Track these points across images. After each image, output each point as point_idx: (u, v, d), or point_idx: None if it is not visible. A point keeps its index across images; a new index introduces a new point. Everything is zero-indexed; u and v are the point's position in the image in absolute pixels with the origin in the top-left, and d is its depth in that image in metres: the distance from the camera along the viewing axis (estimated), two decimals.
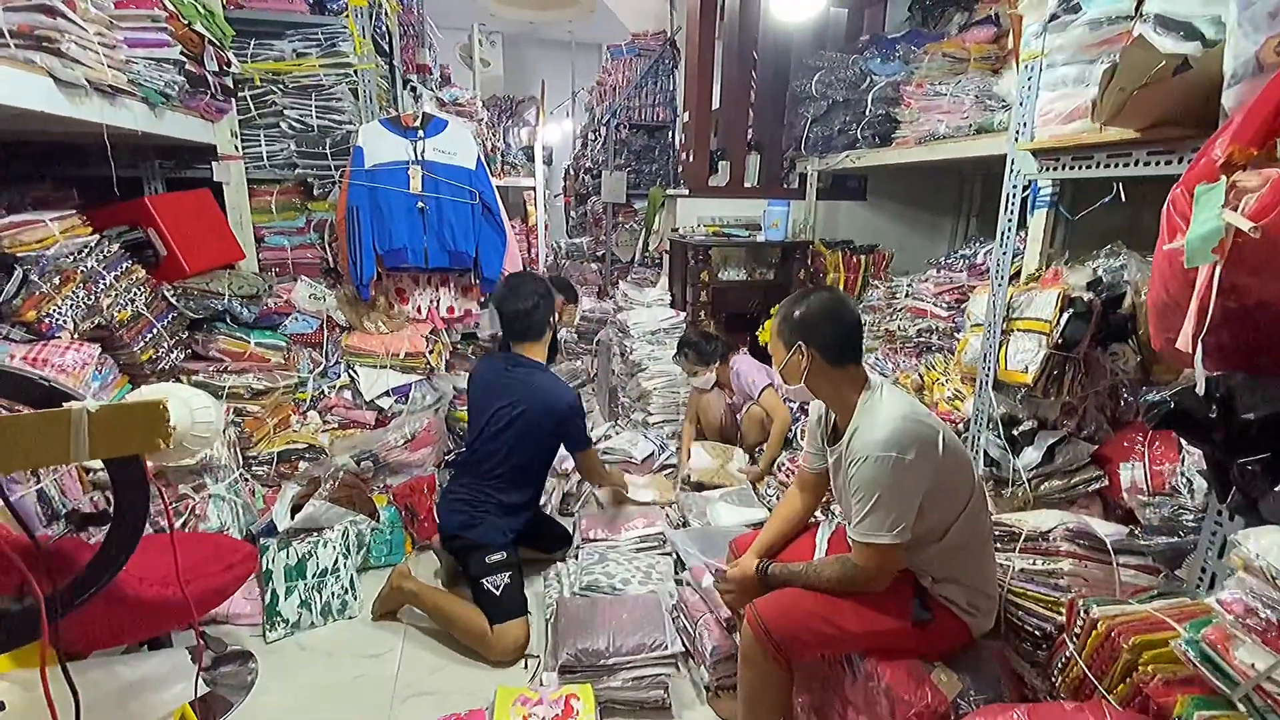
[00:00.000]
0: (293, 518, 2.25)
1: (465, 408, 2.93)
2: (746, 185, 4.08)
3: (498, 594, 2.05)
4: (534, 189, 4.55)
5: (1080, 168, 1.63)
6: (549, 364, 2.39)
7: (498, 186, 3.15)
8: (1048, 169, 1.74)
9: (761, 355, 3.26)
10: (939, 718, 1.34)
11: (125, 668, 1.26)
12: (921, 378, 2.47)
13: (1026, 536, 1.57)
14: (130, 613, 1.27)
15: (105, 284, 2.02)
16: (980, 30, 2.86)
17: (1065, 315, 1.74)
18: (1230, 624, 0.97)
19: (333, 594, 2.19)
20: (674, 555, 2.31)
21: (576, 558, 2.38)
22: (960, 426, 2.06)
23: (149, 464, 1.02)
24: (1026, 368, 1.78)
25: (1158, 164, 1.43)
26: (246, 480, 2.42)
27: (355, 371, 2.85)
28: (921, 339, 2.69)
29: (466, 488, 2.26)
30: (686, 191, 3.96)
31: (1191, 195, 1.01)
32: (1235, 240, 0.93)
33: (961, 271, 2.70)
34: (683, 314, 3.80)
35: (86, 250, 2.00)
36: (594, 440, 2.49)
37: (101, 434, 0.87)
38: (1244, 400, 1.05)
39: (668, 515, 2.63)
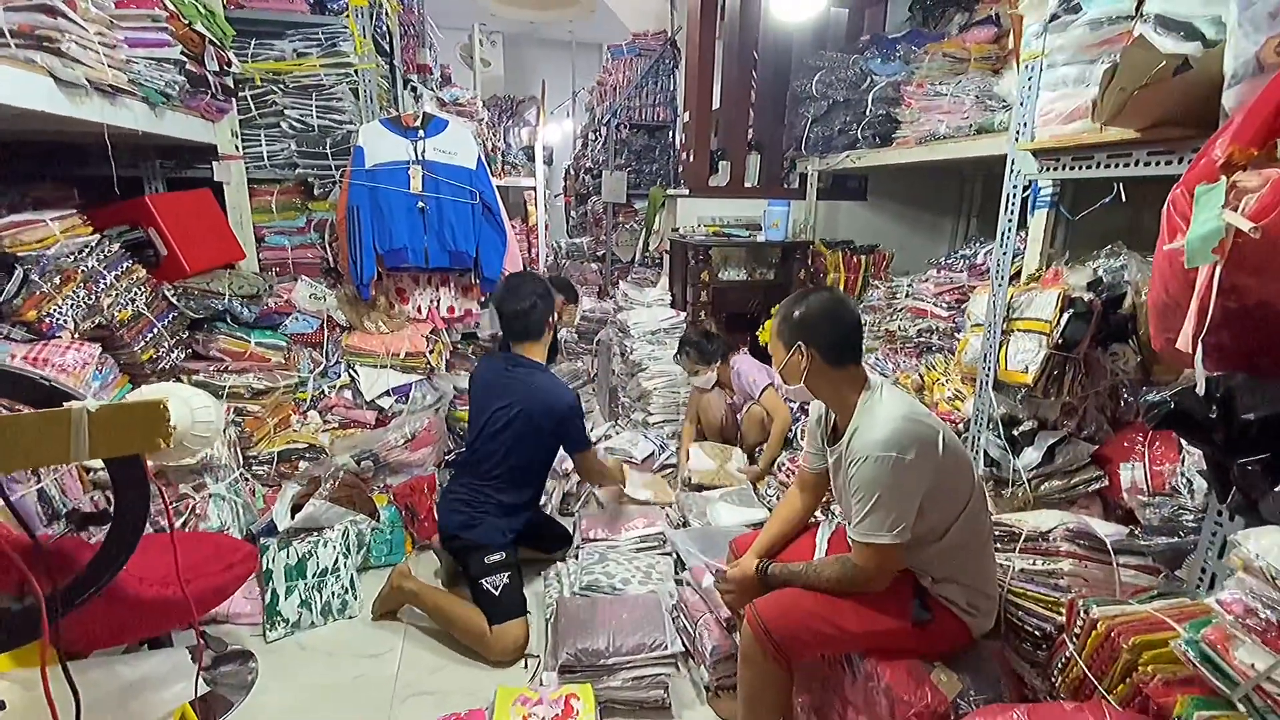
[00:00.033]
0: (293, 517, 2.25)
1: (466, 407, 2.93)
2: (747, 185, 4.08)
3: (497, 594, 2.05)
4: (534, 189, 4.55)
5: (1080, 168, 1.63)
6: (550, 364, 2.39)
7: (498, 186, 3.15)
8: (1048, 169, 1.74)
9: (762, 355, 3.26)
10: (939, 718, 1.34)
11: (125, 667, 1.26)
12: (922, 378, 2.47)
13: (1026, 537, 1.57)
14: (130, 612, 1.27)
15: (106, 284, 2.03)
16: (981, 30, 2.86)
17: (1065, 315, 1.74)
18: (1230, 624, 0.97)
19: (333, 594, 2.19)
20: (674, 555, 2.31)
21: (577, 557, 2.38)
22: (960, 426, 2.06)
23: (149, 463, 1.02)
24: (1027, 368, 1.78)
25: (1158, 164, 1.43)
26: (247, 480, 2.42)
27: (355, 371, 2.85)
28: (922, 339, 2.69)
29: (466, 488, 2.26)
30: (687, 191, 3.96)
31: (1192, 195, 1.01)
32: (1235, 240, 0.93)
33: (962, 272, 2.70)
34: (683, 314, 3.80)
35: (87, 250, 2.00)
36: (594, 441, 2.47)
37: (102, 433, 0.87)
38: (1244, 400, 1.05)
39: (668, 515, 2.63)
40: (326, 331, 2.84)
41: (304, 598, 2.14)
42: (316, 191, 2.88)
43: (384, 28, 3.02)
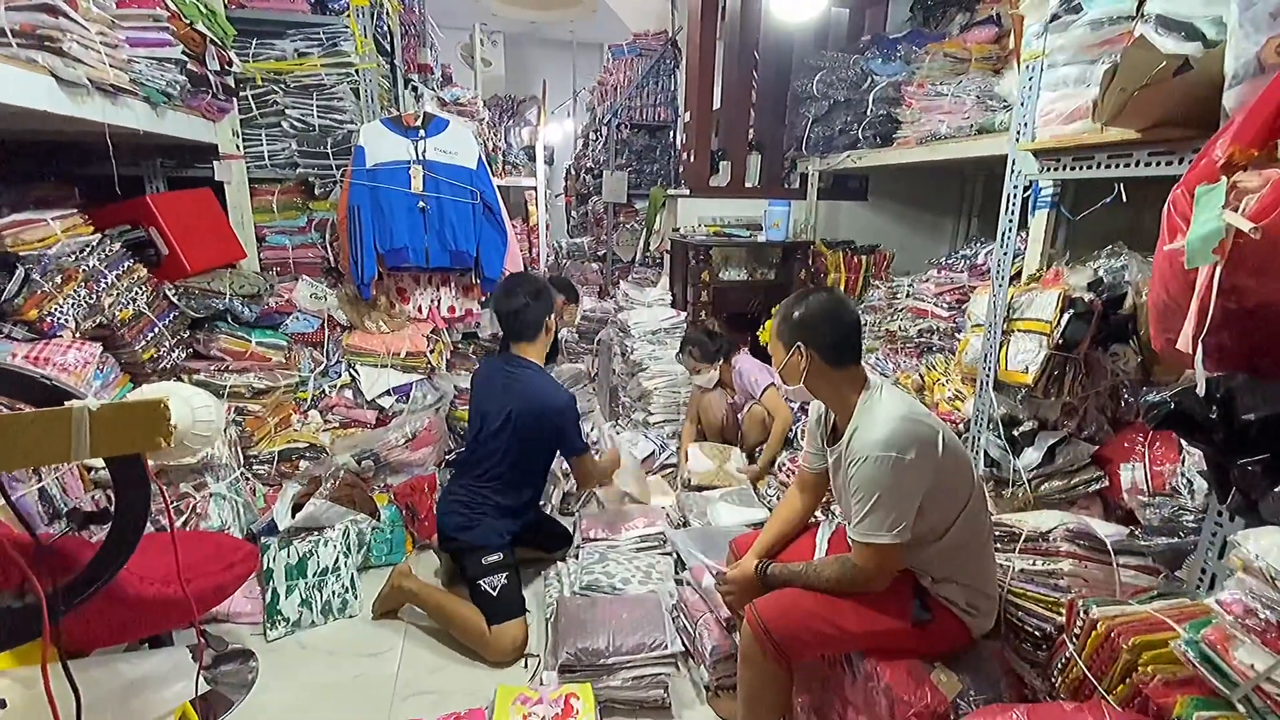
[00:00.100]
0: (293, 516, 2.25)
1: (466, 407, 2.93)
2: (747, 185, 4.08)
3: (495, 595, 2.05)
4: (535, 189, 4.55)
5: (1081, 168, 1.63)
6: (550, 364, 2.39)
7: (499, 186, 3.15)
8: (1049, 169, 1.74)
9: (762, 355, 3.26)
10: (939, 718, 1.34)
11: (126, 665, 1.26)
12: (922, 378, 2.47)
13: (1026, 537, 1.57)
14: (131, 611, 1.28)
15: (107, 283, 2.03)
16: (981, 30, 2.85)
17: (1066, 316, 1.74)
18: (1230, 625, 0.97)
19: (333, 593, 2.19)
20: (674, 555, 2.31)
21: (577, 557, 2.38)
22: (961, 427, 2.06)
23: (150, 463, 1.03)
24: (1027, 368, 1.78)
25: (1158, 164, 1.42)
26: (247, 479, 2.43)
27: (356, 371, 2.85)
28: (922, 339, 2.69)
29: (464, 490, 2.27)
30: (687, 191, 3.96)
31: (1192, 196, 1.01)
32: (1235, 241, 0.93)
33: (962, 272, 2.70)
34: (683, 314, 3.81)
35: (88, 249, 2.00)
36: (590, 445, 2.42)
37: (103, 433, 0.88)
38: (1244, 401, 1.05)
39: (668, 515, 2.63)
40: (327, 331, 2.84)
41: (304, 597, 2.14)
42: (317, 191, 2.88)
43: (385, 27, 3.03)
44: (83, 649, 1.27)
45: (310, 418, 2.72)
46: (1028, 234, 2.13)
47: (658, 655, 1.82)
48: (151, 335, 2.21)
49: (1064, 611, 1.37)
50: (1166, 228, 1.09)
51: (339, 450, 2.58)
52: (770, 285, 3.83)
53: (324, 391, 2.77)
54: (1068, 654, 1.28)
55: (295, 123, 2.76)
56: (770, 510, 2.34)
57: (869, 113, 3.06)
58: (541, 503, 2.61)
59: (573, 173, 7.35)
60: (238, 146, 2.71)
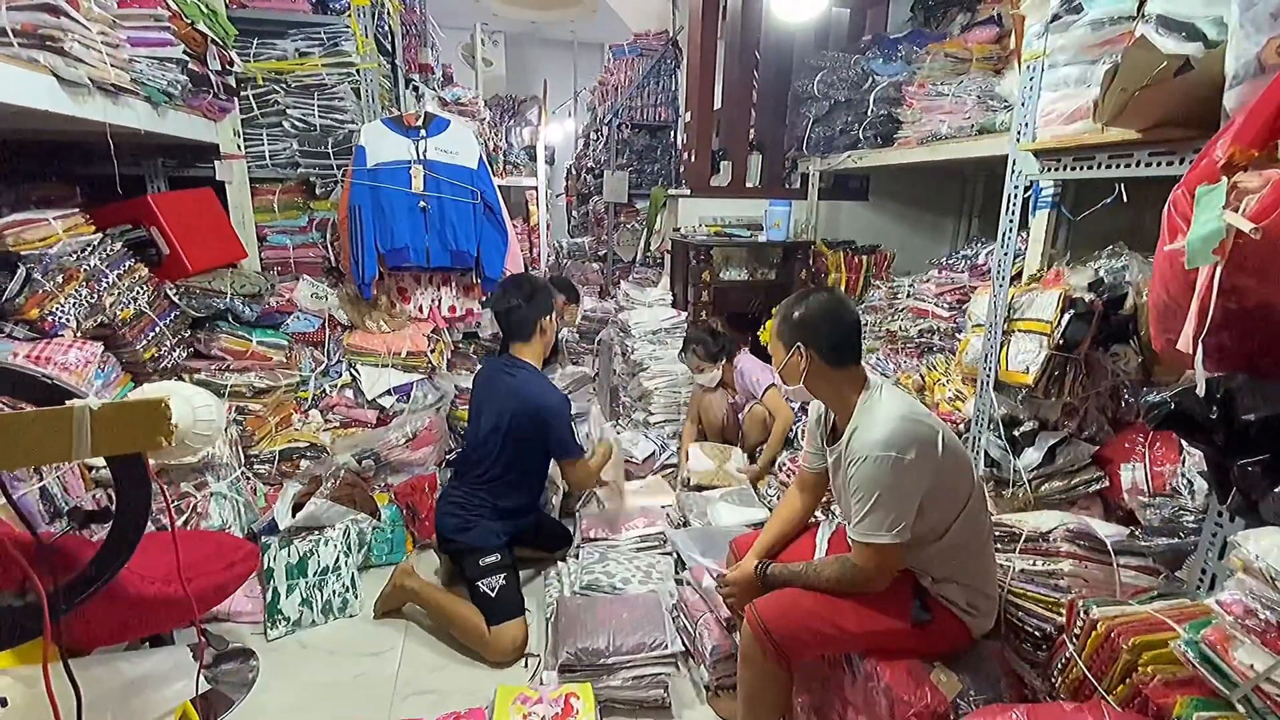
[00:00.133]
0: (294, 516, 2.25)
1: (466, 407, 2.94)
2: (748, 185, 4.08)
3: (493, 596, 2.05)
4: (536, 188, 4.56)
5: (1082, 168, 1.63)
6: (551, 365, 2.39)
7: (499, 186, 3.15)
8: (1049, 169, 1.74)
9: (763, 355, 3.26)
10: (938, 718, 1.34)
11: (127, 664, 1.26)
12: (923, 378, 2.47)
13: (1027, 537, 1.57)
14: (132, 610, 1.28)
15: (108, 282, 2.03)
16: (982, 30, 2.85)
17: (1066, 316, 1.74)
18: (1230, 625, 0.97)
19: (334, 592, 2.19)
20: (674, 555, 2.31)
21: (577, 557, 2.39)
22: (961, 427, 2.06)
23: (151, 462, 1.03)
24: (1027, 368, 1.78)
25: (1159, 165, 1.42)
26: (248, 478, 2.43)
27: (357, 370, 2.85)
28: (923, 339, 2.68)
29: (461, 492, 2.27)
30: (688, 191, 3.96)
31: (1192, 196, 1.01)
32: (1236, 241, 0.93)
33: (963, 272, 2.69)
34: (684, 314, 3.81)
35: (89, 249, 2.00)
36: (583, 449, 2.35)
37: (104, 432, 0.88)
38: (1244, 401, 1.05)
39: (668, 515, 2.63)
40: (328, 330, 2.84)
41: (305, 596, 2.15)
42: (318, 191, 2.88)
43: (386, 27, 3.03)
44: (84, 648, 1.27)
45: (311, 417, 2.72)
46: (1028, 234, 2.13)
47: (658, 655, 1.82)
48: (152, 335, 2.21)
49: (1064, 612, 1.37)
50: (1167, 228, 1.09)
51: (340, 450, 2.59)
52: (771, 285, 3.82)
53: (325, 391, 2.78)
54: (1068, 654, 1.28)
55: (296, 122, 2.76)
56: (770, 510, 2.34)
57: (870, 113, 3.05)
58: (542, 503, 2.61)
59: (573, 172, 7.36)
60: (239, 146, 2.71)
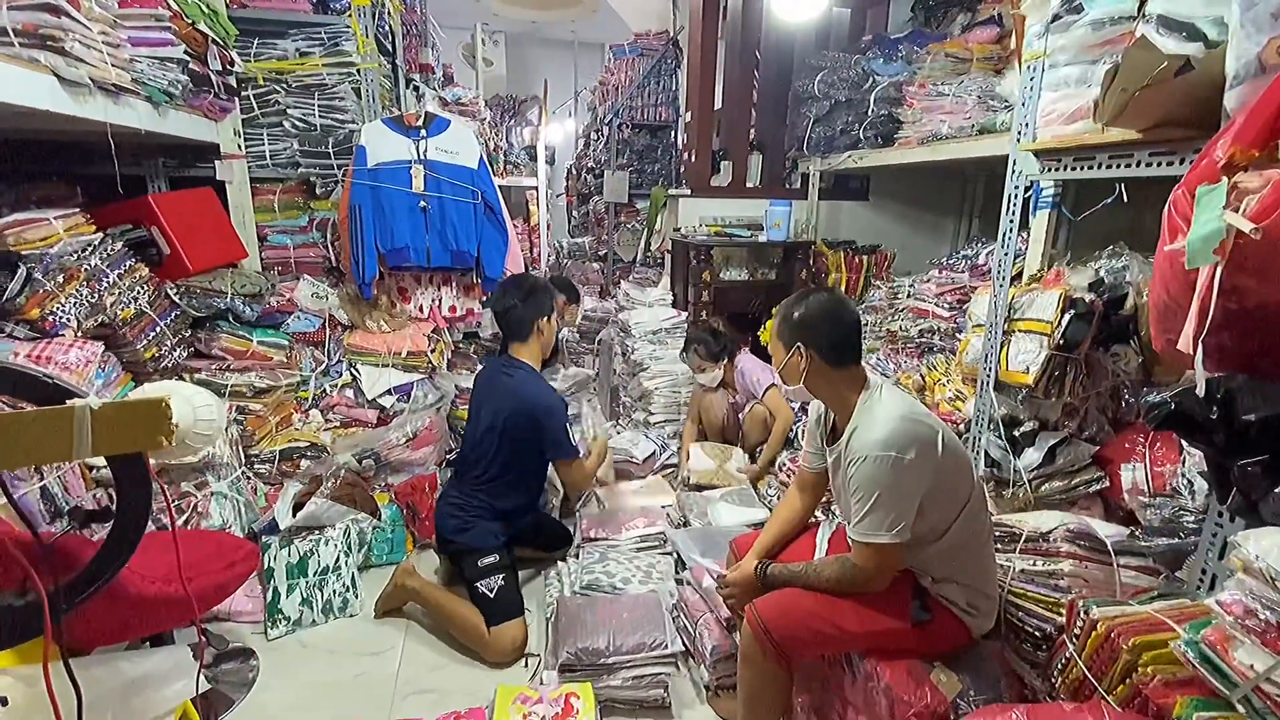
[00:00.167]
0: (294, 516, 2.26)
1: (467, 407, 2.94)
2: (748, 185, 4.08)
3: (492, 596, 2.05)
4: (536, 188, 4.56)
5: (1082, 168, 1.63)
6: (551, 366, 2.38)
7: (500, 186, 3.16)
8: (1050, 170, 1.74)
9: (763, 355, 3.26)
10: (939, 718, 1.34)
11: (127, 664, 1.26)
12: (923, 378, 2.47)
13: (1027, 537, 1.57)
14: (132, 609, 1.28)
15: (109, 282, 2.03)
16: (983, 30, 2.85)
17: (1067, 316, 1.74)
18: (1230, 625, 0.97)
19: (334, 592, 2.20)
20: (674, 555, 2.31)
21: (577, 557, 2.39)
22: (961, 427, 2.06)
23: (151, 461, 1.03)
24: (1028, 368, 1.77)
25: (1160, 165, 1.42)
26: (248, 478, 2.43)
27: (357, 370, 2.85)
28: (923, 339, 2.68)
29: (460, 492, 2.27)
30: (688, 191, 3.96)
31: (1193, 196, 1.01)
32: (1236, 242, 0.93)
33: (963, 272, 2.69)
34: (684, 314, 3.81)
35: (90, 248, 2.00)
36: (579, 449, 2.33)
37: (104, 431, 0.88)
38: (1244, 402, 1.05)
39: (668, 515, 2.63)
40: (328, 330, 2.85)
41: (305, 596, 2.15)
42: (319, 191, 2.89)
43: (386, 27, 3.03)
44: (84, 647, 1.28)
45: (311, 417, 2.72)
46: (1029, 234, 2.13)
47: (658, 655, 1.82)
48: (153, 334, 2.21)
49: (1064, 612, 1.37)
50: (1167, 228, 1.09)
51: (340, 449, 2.59)
52: (771, 285, 3.82)
53: (325, 391, 2.78)
54: (1068, 654, 1.28)
55: (297, 122, 2.76)
56: (770, 510, 2.34)
57: (870, 113, 3.05)
58: (542, 504, 2.61)
59: (574, 172, 7.36)
60: (239, 146, 2.71)
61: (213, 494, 2.15)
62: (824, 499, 1.80)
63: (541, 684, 1.82)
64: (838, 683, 1.56)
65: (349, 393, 2.81)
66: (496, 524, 2.21)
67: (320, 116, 2.78)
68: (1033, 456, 1.83)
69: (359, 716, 1.82)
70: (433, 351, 3.00)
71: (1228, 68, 1.10)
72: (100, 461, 1.72)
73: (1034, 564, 1.55)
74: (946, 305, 2.64)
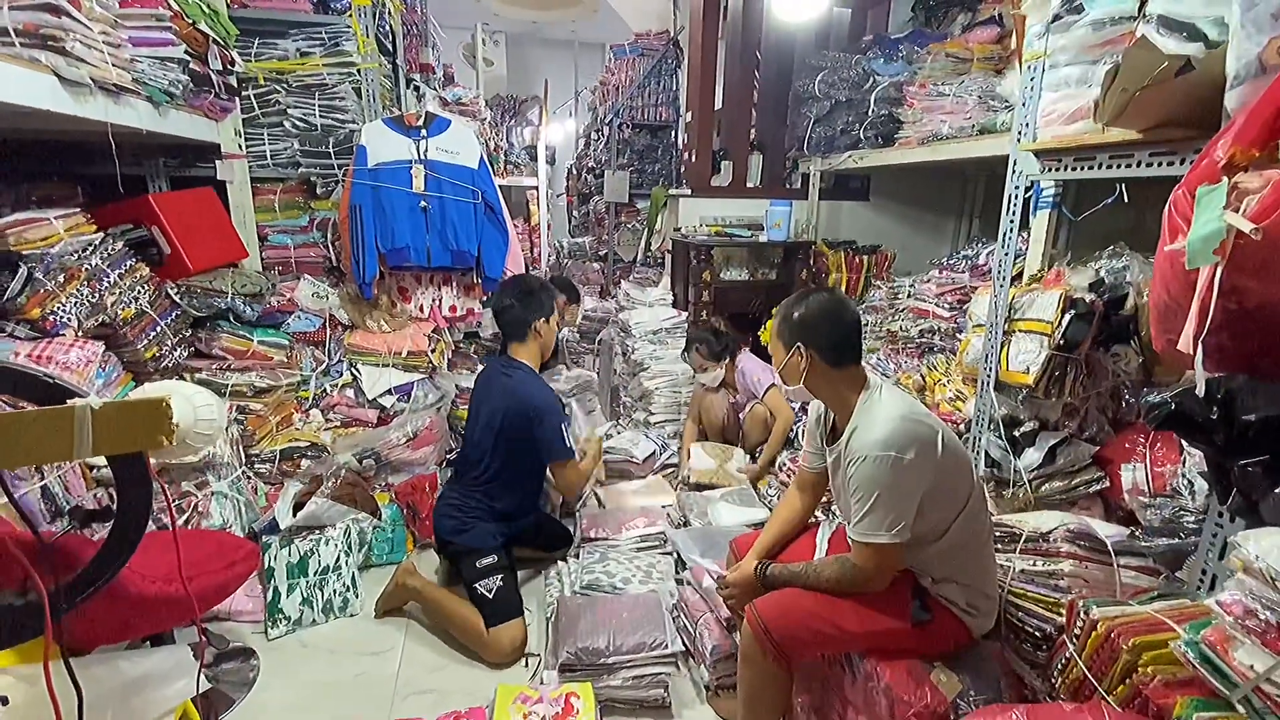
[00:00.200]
0: (295, 515, 2.26)
1: (467, 406, 2.94)
2: (749, 185, 4.08)
3: (490, 597, 2.05)
4: (537, 188, 4.56)
5: (1083, 169, 1.63)
6: (551, 366, 2.38)
7: (500, 186, 3.16)
8: (1050, 170, 1.74)
9: (764, 355, 3.26)
10: (939, 718, 1.34)
11: (128, 663, 1.26)
12: (923, 378, 2.47)
13: (1027, 537, 1.57)
14: (133, 609, 1.28)
15: (109, 282, 2.03)
16: (983, 30, 2.85)
17: (1067, 316, 1.74)
18: (1230, 625, 0.97)
19: (334, 591, 2.20)
20: (674, 555, 2.31)
21: (578, 557, 2.39)
22: (961, 427, 2.06)
23: (152, 461, 1.03)
24: (1028, 369, 1.77)
25: (1160, 165, 1.42)
26: (249, 478, 2.43)
27: (358, 370, 2.86)
28: (923, 340, 2.68)
29: (458, 493, 2.28)
30: (689, 191, 3.96)
31: (1193, 196, 1.01)
32: (1236, 242, 0.93)
33: (964, 272, 2.69)
34: (684, 314, 3.81)
35: (91, 248, 2.01)
36: (574, 452, 2.29)
37: (105, 431, 0.88)
38: (1245, 402, 1.05)
39: (668, 515, 2.63)
40: (329, 330, 2.85)
41: (306, 595, 2.15)
42: (319, 190, 2.89)
43: (387, 27, 3.03)
44: (84, 647, 1.28)
45: (312, 416, 2.72)
46: (1029, 234, 2.13)
47: (658, 655, 1.82)
48: (154, 334, 2.22)
49: (1064, 612, 1.37)
50: (1167, 228, 1.09)
51: (340, 449, 2.59)
52: (771, 285, 3.82)
53: (325, 390, 2.78)
54: (1068, 654, 1.28)
55: (297, 122, 2.76)
56: (770, 510, 2.34)
57: (870, 113, 3.05)
58: (542, 504, 2.61)
59: (574, 172, 7.36)
60: (240, 146, 2.71)
61: (213, 494, 2.15)
62: (824, 499, 1.80)
63: (542, 684, 1.82)
64: (838, 683, 1.56)
65: (349, 392, 2.81)
66: (494, 525, 2.21)
67: (321, 116, 2.78)
68: (1033, 456, 1.83)
69: (359, 716, 1.82)
70: (433, 351, 3.00)
71: (1228, 68, 1.10)
72: (101, 461, 1.72)
73: (1034, 564, 1.55)
74: (947, 305, 2.64)
